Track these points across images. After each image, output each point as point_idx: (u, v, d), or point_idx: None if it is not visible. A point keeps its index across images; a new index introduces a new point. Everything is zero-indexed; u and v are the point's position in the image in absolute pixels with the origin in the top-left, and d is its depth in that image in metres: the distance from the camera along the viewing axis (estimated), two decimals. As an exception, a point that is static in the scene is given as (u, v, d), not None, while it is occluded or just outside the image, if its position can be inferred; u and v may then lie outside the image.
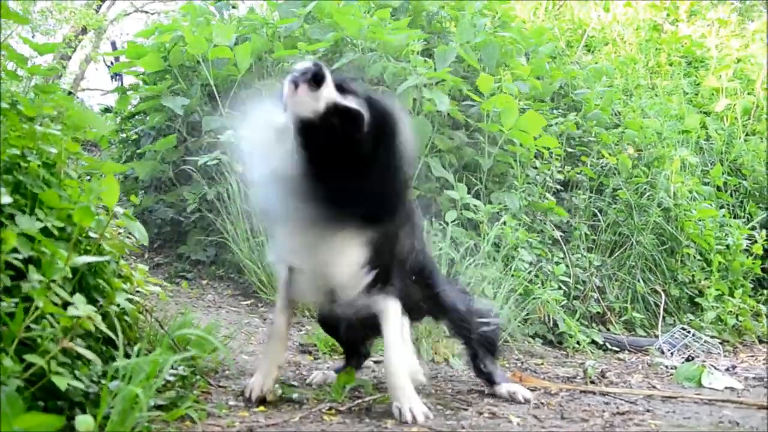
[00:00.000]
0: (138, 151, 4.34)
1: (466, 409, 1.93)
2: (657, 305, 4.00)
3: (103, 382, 1.36)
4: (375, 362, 2.49)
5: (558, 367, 2.96)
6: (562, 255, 3.77)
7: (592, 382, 2.56)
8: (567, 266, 3.69)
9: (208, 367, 2.04)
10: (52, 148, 1.64)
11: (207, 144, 3.89)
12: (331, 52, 4.22)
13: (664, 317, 3.91)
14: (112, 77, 6.24)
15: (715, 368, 2.86)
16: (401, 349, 1.83)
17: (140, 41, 4.89)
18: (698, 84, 6.75)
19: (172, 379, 1.72)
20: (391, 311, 1.80)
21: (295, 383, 2.09)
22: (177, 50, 4.20)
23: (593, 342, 3.48)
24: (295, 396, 1.88)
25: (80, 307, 1.33)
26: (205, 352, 2.00)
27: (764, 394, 2.49)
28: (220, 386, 1.94)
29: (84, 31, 11.58)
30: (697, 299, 4.17)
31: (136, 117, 4.71)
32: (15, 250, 1.32)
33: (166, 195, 4.17)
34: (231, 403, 1.78)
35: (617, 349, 3.51)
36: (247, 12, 4.90)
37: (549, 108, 4.68)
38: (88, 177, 1.82)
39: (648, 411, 2.06)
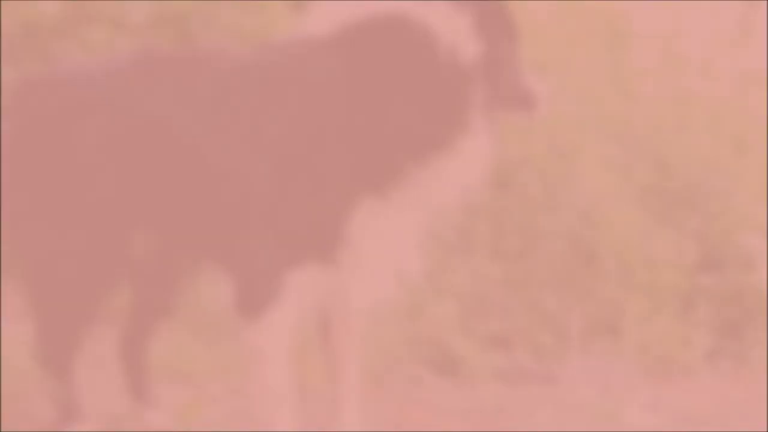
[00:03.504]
0: None
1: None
2: (570, 326, 4.34)
3: None
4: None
5: (446, 401, 3.24)
6: (459, 261, 4.08)
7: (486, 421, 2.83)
8: (464, 276, 4.01)
9: None
10: None
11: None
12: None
13: (578, 341, 4.26)
14: None
15: (633, 403, 3.24)
16: None
17: None
18: (621, 61, 7.47)
19: None
20: None
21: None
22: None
23: (491, 370, 3.76)
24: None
25: None
26: None
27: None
28: None
29: None
30: (616, 321, 4.53)
31: None
32: None
33: None
34: None
35: (521, 379, 3.81)
36: None
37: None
38: None
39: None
